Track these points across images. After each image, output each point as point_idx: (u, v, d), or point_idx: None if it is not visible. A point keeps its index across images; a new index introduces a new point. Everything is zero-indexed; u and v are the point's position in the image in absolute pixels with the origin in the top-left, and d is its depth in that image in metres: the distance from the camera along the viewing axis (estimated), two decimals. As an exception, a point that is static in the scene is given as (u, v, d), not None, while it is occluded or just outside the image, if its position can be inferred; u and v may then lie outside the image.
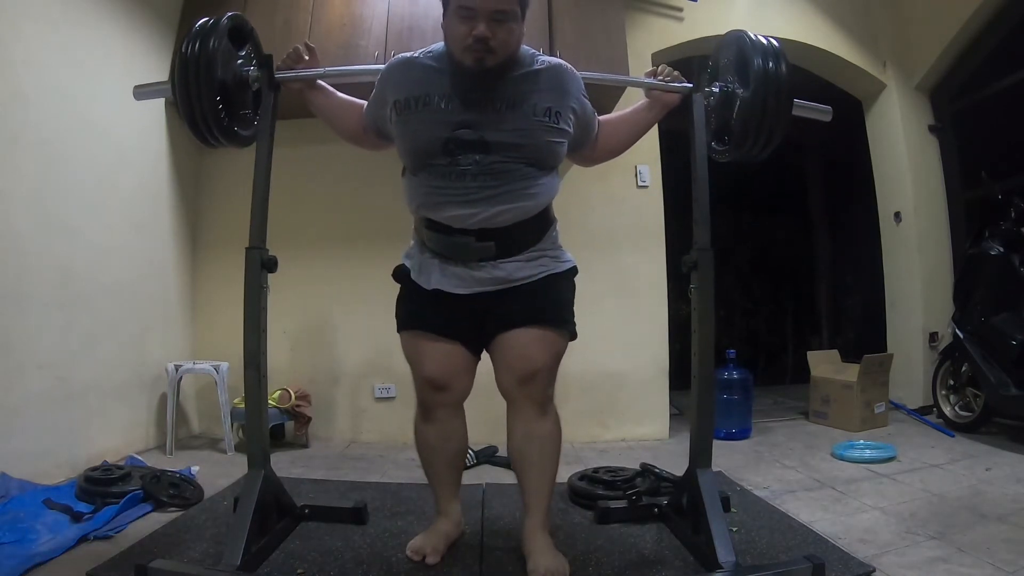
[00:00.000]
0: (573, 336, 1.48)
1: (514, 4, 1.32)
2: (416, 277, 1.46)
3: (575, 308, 1.51)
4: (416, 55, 1.46)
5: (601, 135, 1.54)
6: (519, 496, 1.48)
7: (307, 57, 1.56)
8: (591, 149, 1.55)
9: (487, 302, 1.41)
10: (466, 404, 1.59)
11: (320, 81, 1.57)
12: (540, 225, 1.44)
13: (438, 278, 1.41)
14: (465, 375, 1.48)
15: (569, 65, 1.45)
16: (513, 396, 1.42)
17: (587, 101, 1.46)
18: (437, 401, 1.48)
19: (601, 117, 1.55)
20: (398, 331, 1.53)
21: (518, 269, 1.40)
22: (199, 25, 1.43)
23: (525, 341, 1.39)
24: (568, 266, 1.48)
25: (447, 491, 1.56)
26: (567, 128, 1.41)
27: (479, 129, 1.34)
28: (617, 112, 1.64)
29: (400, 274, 1.53)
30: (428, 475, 1.57)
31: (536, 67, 1.40)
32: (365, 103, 1.54)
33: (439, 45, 1.44)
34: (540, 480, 1.44)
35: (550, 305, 1.42)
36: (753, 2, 3.27)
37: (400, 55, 1.49)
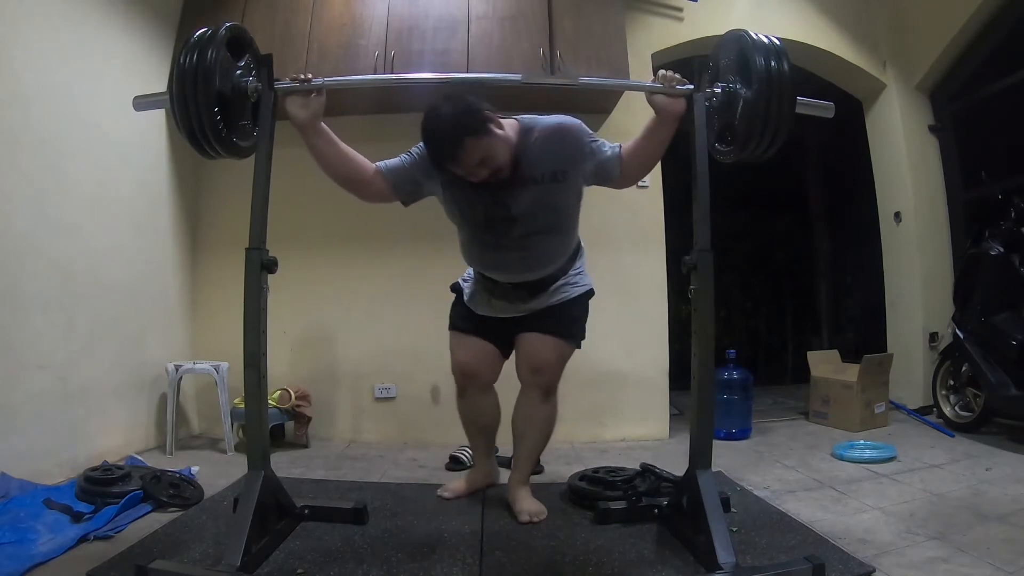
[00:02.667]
0: (579, 345, 1.86)
1: (484, 147, 1.52)
2: (468, 301, 1.88)
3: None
4: None
5: (625, 165, 1.66)
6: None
7: (314, 95, 1.55)
8: (621, 178, 1.69)
9: (518, 319, 1.81)
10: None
11: (322, 124, 1.61)
12: (565, 266, 1.80)
13: (484, 308, 1.84)
14: (490, 368, 1.89)
15: (568, 120, 1.66)
16: (526, 381, 1.82)
17: (597, 145, 1.66)
18: (467, 384, 1.90)
19: (624, 147, 1.67)
20: (448, 330, 1.94)
21: (545, 299, 1.79)
22: (197, 36, 1.41)
23: (538, 341, 1.78)
24: (583, 290, 1.83)
25: (479, 452, 2.02)
26: (578, 180, 1.67)
27: (505, 206, 1.64)
28: (634, 138, 1.67)
29: (455, 288, 1.96)
30: (467, 436, 2.02)
31: (533, 139, 1.63)
32: (380, 163, 1.69)
33: None
34: (531, 449, 1.87)
35: (563, 322, 1.80)
36: (753, 2, 3.27)
37: None
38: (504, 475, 2.21)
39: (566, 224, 1.75)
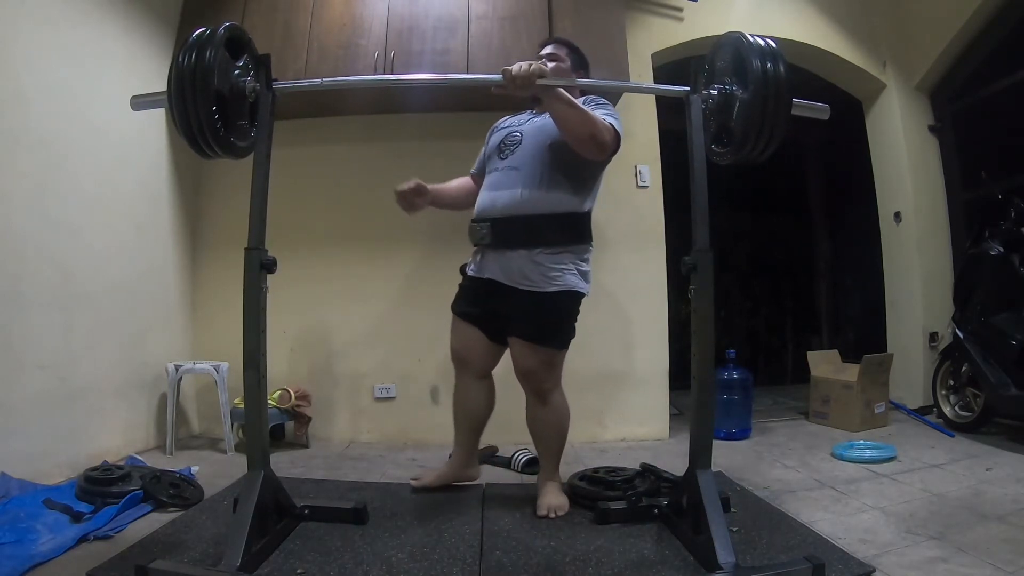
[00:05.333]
0: (564, 348, 1.84)
1: (563, 52, 1.93)
2: (469, 266, 1.92)
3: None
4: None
5: None
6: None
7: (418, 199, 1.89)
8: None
9: (496, 299, 1.80)
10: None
11: (434, 192, 1.95)
12: (552, 236, 1.73)
13: (473, 267, 1.89)
14: (481, 356, 1.92)
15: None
16: (522, 385, 1.85)
17: (593, 105, 1.78)
18: (459, 369, 1.97)
19: None
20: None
21: (520, 273, 1.74)
22: (195, 36, 1.40)
23: (521, 348, 1.80)
24: (559, 288, 1.74)
25: (460, 442, 2.01)
26: None
27: (520, 132, 1.86)
28: None
29: (463, 270, 1.97)
30: (454, 424, 2.01)
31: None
32: (473, 171, 2.06)
33: None
34: (546, 448, 1.90)
35: (544, 327, 1.78)
36: (753, 2, 3.27)
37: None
38: (494, 473, 2.23)
39: (558, 161, 1.74)
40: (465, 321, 1.91)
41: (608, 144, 1.69)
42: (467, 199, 2.01)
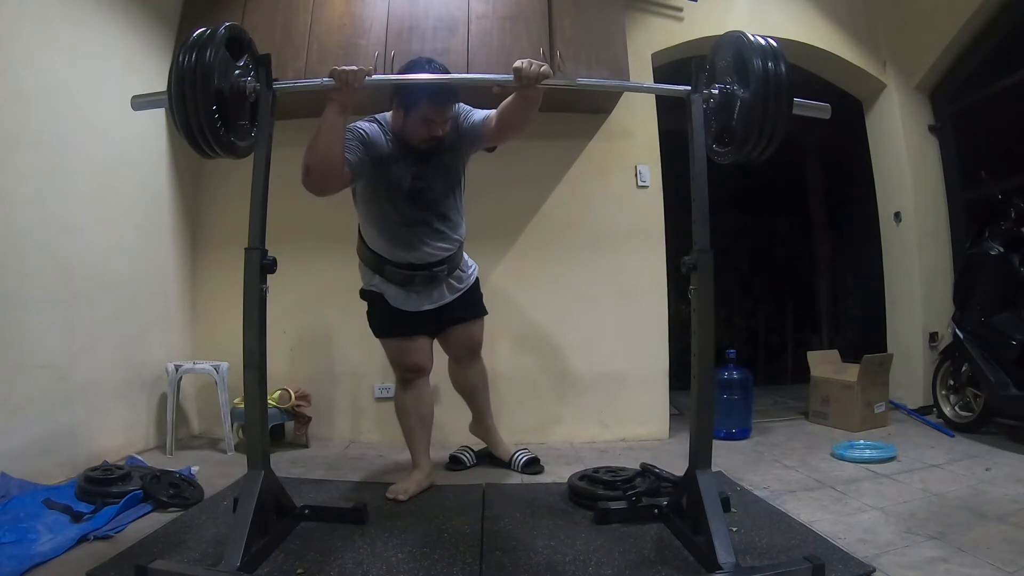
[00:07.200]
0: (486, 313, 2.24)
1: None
2: (394, 303, 2.02)
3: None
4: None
5: (497, 121, 1.88)
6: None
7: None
8: (494, 131, 1.89)
9: (441, 310, 2.07)
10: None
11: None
12: (460, 253, 2.11)
13: (413, 304, 2.03)
14: (431, 356, 2.15)
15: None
16: (465, 358, 2.24)
17: (468, 111, 1.95)
18: (414, 379, 2.12)
19: (496, 111, 1.88)
20: (379, 337, 2.12)
21: (460, 283, 2.11)
22: (196, 35, 1.40)
23: (473, 328, 2.19)
24: (477, 273, 2.22)
25: (420, 447, 2.12)
26: (462, 144, 1.96)
27: (422, 176, 1.92)
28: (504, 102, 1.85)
29: (368, 295, 2.09)
30: (406, 436, 2.14)
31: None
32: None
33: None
34: (486, 396, 2.33)
35: (478, 304, 2.21)
36: (753, 2, 3.27)
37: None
38: (494, 473, 2.24)
39: (457, 197, 2.04)
40: (417, 336, 2.08)
41: None
42: (335, 162, 1.72)
